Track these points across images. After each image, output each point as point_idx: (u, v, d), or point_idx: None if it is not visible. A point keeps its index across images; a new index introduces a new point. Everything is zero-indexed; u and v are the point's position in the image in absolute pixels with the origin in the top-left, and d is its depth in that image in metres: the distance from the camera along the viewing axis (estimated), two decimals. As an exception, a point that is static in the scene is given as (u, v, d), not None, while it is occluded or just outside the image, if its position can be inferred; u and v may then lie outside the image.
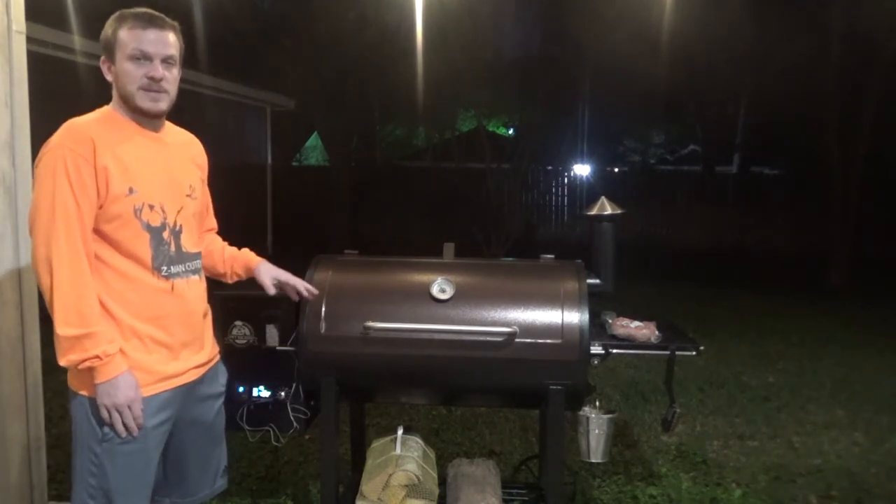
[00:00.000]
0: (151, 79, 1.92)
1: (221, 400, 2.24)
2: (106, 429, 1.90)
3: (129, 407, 1.88)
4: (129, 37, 1.91)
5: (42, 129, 2.71)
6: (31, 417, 2.63)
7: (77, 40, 7.25)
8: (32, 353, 2.62)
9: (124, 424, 1.89)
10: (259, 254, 2.38)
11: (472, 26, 10.73)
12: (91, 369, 1.85)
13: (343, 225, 13.54)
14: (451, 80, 11.28)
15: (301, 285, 2.33)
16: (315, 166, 20.80)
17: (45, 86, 3.75)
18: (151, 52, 1.92)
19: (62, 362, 1.85)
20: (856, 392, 5.25)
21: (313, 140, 20.79)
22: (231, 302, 2.31)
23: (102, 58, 1.97)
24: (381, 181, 14.99)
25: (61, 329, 1.81)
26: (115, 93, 1.99)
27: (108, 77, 1.97)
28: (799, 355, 6.30)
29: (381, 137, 19.40)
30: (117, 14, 1.96)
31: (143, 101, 1.94)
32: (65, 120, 1.94)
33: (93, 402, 1.91)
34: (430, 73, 10.77)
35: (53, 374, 3.16)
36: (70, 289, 1.81)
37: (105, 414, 1.88)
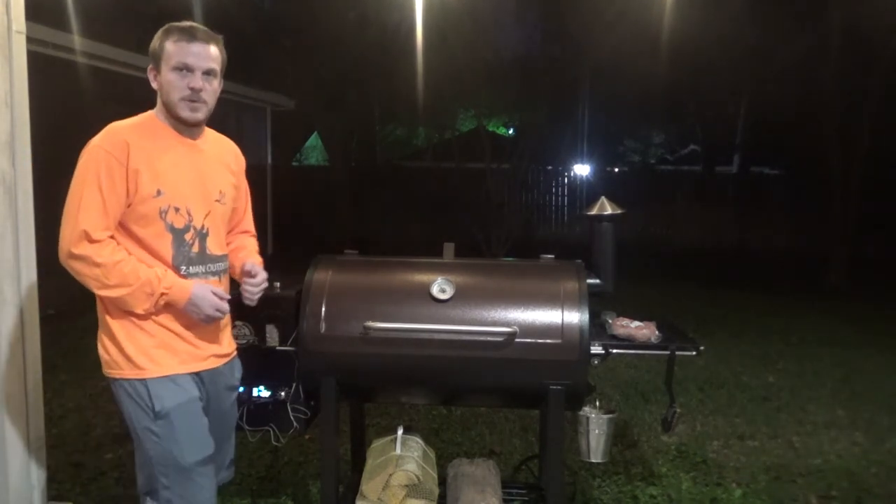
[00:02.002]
0: (192, 89, 2.06)
1: (236, 393, 2.36)
2: (157, 406, 2.03)
3: (217, 310, 2.11)
4: (174, 49, 2.06)
5: (42, 129, 2.71)
6: (31, 417, 2.63)
7: (77, 40, 7.25)
8: (32, 353, 2.62)
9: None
10: (260, 253, 2.38)
11: (472, 26, 10.73)
12: (167, 303, 2.05)
13: (343, 225, 13.54)
14: (451, 80, 11.27)
15: (247, 292, 2.25)
16: (315, 166, 20.81)
17: (45, 86, 3.76)
18: (193, 64, 2.06)
19: (142, 311, 2.04)
20: (856, 392, 5.25)
21: (313, 140, 20.81)
22: (231, 302, 2.30)
23: (150, 66, 2.12)
24: (381, 181, 14.99)
25: (119, 293, 2.00)
26: (158, 100, 2.13)
27: (154, 85, 2.12)
28: (799, 355, 6.30)
29: (381, 137, 19.42)
30: (165, 27, 2.11)
31: (183, 111, 2.08)
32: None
33: (133, 383, 2.05)
34: (430, 73, 10.77)
35: (53, 374, 3.17)
36: (112, 264, 1.98)
37: (203, 323, 2.12)
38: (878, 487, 3.68)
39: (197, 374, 2.15)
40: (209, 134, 2.26)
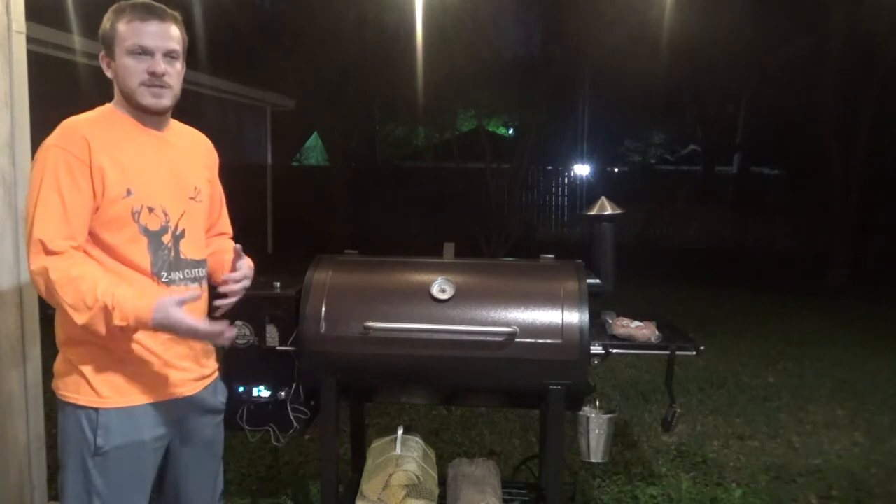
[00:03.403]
0: (153, 74, 1.81)
1: (220, 418, 2.12)
2: (100, 440, 1.81)
3: (194, 326, 1.77)
4: (128, 30, 1.81)
5: (42, 129, 2.71)
6: (31, 417, 2.62)
7: (77, 40, 7.25)
8: (32, 353, 2.62)
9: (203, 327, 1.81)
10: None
11: (472, 26, 10.74)
12: (130, 327, 1.75)
13: (343, 225, 13.54)
14: (451, 80, 11.28)
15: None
16: (315, 166, 20.81)
17: (45, 86, 3.75)
18: (152, 45, 1.81)
19: (104, 333, 1.74)
20: (856, 392, 5.25)
21: (313, 140, 20.81)
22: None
23: (102, 54, 1.87)
24: (381, 181, 14.99)
25: (79, 319, 1.71)
26: (116, 90, 1.89)
27: (108, 74, 1.87)
28: (799, 355, 6.30)
29: (381, 137, 19.42)
30: (115, 7, 1.86)
31: (145, 98, 1.83)
32: (64, 120, 1.92)
33: (87, 411, 1.82)
34: (430, 73, 10.77)
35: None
36: (67, 281, 1.70)
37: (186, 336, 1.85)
38: (878, 487, 3.68)
39: (168, 401, 1.90)
40: (176, 125, 2.01)
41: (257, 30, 12.59)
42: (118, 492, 1.86)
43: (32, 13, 2.64)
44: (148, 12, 1.83)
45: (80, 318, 1.71)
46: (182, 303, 1.76)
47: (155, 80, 1.82)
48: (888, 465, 3.96)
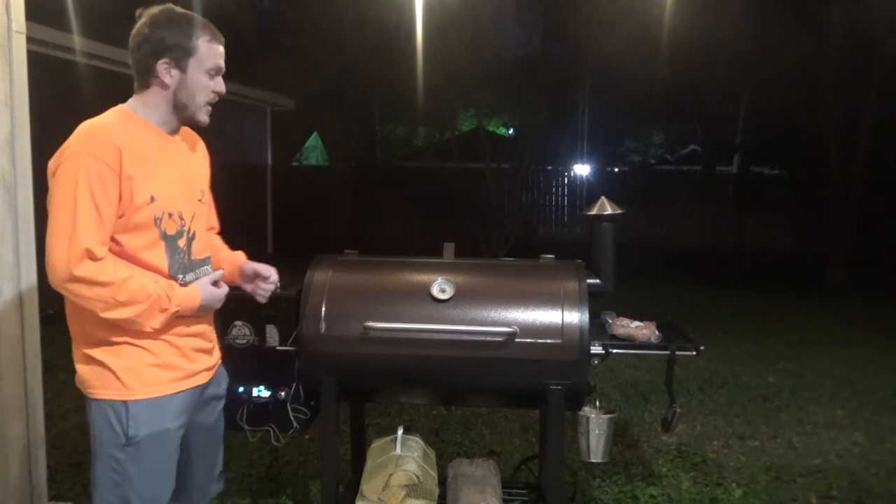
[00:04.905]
0: (219, 94, 1.97)
1: (222, 403, 2.24)
2: (131, 431, 1.89)
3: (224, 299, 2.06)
4: (208, 50, 1.90)
5: (42, 129, 2.71)
6: (31, 417, 2.63)
7: (77, 40, 7.25)
8: (32, 353, 2.62)
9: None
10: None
11: (472, 26, 10.74)
12: (179, 315, 1.94)
13: (343, 225, 13.54)
14: (451, 80, 11.27)
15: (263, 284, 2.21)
16: (315, 166, 20.82)
17: (45, 86, 3.75)
18: (223, 67, 1.96)
19: (150, 329, 1.89)
20: (856, 392, 5.25)
21: (313, 140, 20.82)
22: (231, 302, 2.31)
23: (163, 60, 1.86)
24: (381, 181, 14.98)
25: (127, 314, 1.83)
26: (151, 95, 1.91)
27: (166, 79, 1.88)
28: (799, 355, 6.30)
29: (381, 137, 19.42)
30: (186, 18, 1.89)
31: (203, 115, 1.97)
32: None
33: (114, 404, 1.89)
34: (430, 72, 10.76)
35: (53, 373, 3.17)
36: (120, 281, 1.80)
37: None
38: (878, 487, 3.69)
39: (189, 390, 2.01)
40: (181, 129, 2.07)
41: (257, 30, 12.57)
42: (151, 478, 1.95)
43: (32, 13, 2.64)
44: (219, 35, 1.95)
45: (129, 312, 1.83)
46: (215, 281, 2.03)
47: (214, 99, 1.97)
48: (888, 465, 3.96)
